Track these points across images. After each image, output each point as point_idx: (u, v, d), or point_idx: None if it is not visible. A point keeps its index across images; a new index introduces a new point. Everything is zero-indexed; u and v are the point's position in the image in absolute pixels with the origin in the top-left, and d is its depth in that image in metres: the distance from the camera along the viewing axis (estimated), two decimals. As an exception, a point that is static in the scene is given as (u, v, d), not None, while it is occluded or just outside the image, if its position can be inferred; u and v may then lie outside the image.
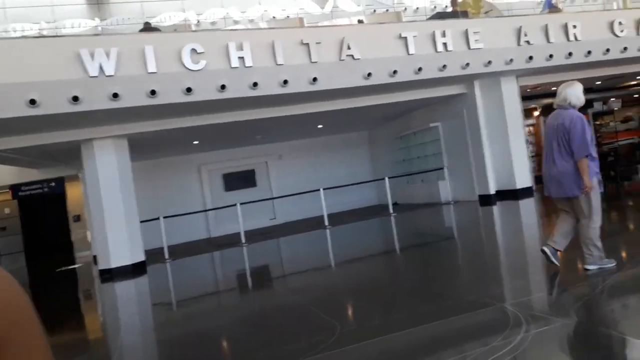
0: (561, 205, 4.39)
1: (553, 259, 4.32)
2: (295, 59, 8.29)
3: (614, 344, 2.91)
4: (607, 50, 10.73)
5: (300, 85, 8.49)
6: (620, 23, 10.76)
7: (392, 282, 5.53)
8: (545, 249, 4.36)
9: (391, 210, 11.69)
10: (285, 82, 8.23)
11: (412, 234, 9.34)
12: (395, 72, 9.13)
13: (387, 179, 12.06)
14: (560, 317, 3.29)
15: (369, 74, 8.93)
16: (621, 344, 2.89)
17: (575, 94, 4.23)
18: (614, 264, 4.14)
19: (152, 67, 7.37)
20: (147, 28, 8.95)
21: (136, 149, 9.81)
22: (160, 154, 13.14)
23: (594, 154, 4.06)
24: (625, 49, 10.87)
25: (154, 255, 9.84)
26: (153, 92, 7.45)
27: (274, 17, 12.36)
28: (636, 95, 18.43)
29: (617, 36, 10.73)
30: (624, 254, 4.38)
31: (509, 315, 3.49)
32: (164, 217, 10.13)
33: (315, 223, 11.86)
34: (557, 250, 4.34)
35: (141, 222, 9.16)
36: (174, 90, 7.66)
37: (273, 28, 9.53)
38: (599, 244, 4.10)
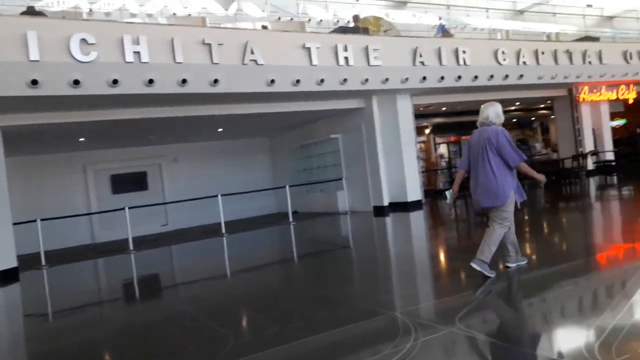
0: (485, 212, 4.74)
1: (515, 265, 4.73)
2: (196, 58, 8.02)
3: (493, 351, 3.11)
4: (492, 76, 11.73)
5: (200, 85, 8.21)
6: (503, 52, 11.83)
7: (289, 291, 5.49)
8: (510, 265, 4.73)
9: (291, 219, 11.71)
10: (184, 81, 7.91)
11: (311, 243, 9.41)
12: (298, 81, 9.19)
13: (287, 187, 12.07)
14: (446, 325, 3.45)
15: (272, 81, 8.89)
16: (500, 351, 3.09)
17: (496, 112, 4.63)
18: (494, 274, 4.48)
19: (34, 55, 6.70)
20: (31, 12, 8.12)
21: (12, 143, 8.83)
22: (40, 150, 11.99)
23: (518, 163, 4.42)
24: (506, 76, 11.96)
25: (28, 261, 8.89)
26: (35, 82, 6.78)
27: (174, 14, 11.87)
28: (515, 120, 20.41)
29: (500, 64, 11.77)
30: (500, 266, 4.74)
31: (399, 324, 3.60)
32: (42, 220, 9.20)
33: (211, 230, 11.50)
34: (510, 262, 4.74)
35: (14, 224, 8.23)
36: (59, 82, 7.02)
37: (173, 25, 9.13)
38: (494, 248, 4.47)
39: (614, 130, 16.71)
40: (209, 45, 8.07)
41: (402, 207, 11.37)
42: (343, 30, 10.62)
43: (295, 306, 4.64)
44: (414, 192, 11.58)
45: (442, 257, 6.61)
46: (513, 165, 4.41)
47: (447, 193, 4.83)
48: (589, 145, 15.17)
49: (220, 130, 12.84)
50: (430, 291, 4.80)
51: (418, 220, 10.42)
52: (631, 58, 14.41)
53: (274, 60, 8.89)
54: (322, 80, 9.47)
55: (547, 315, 3.68)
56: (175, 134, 12.49)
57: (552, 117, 17.27)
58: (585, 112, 15.24)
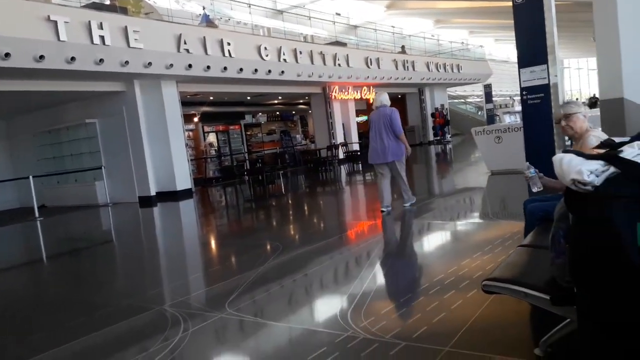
0: (380, 169, 6.56)
1: (387, 210, 6.49)
2: None
3: (263, 331, 3.21)
4: (256, 70, 12.18)
5: None
6: (265, 48, 12.38)
7: (34, 297, 4.73)
8: (385, 209, 6.48)
9: (37, 214, 10.16)
10: None
11: (63, 240, 8.31)
12: (42, 57, 7.99)
13: (31, 178, 10.44)
14: (215, 311, 3.43)
15: (7, 54, 7.57)
16: (267, 329, 3.21)
17: (386, 98, 6.61)
18: (414, 200, 6.75)
19: None
20: None
21: None
22: None
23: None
24: (269, 71, 12.57)
25: None
26: None
27: None
28: (277, 113, 21.66)
29: (263, 59, 12.30)
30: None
31: (168, 317, 3.44)
32: None
33: None
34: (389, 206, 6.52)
35: None
36: None
37: None
38: (407, 188, 6.66)
39: (359, 125, 19.30)
40: None
41: (171, 196, 11.00)
42: (97, 6, 9.62)
43: (40, 314, 4.03)
44: (184, 180, 11.32)
45: (213, 244, 6.60)
46: (399, 134, 6.41)
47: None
48: (340, 137, 17.22)
49: None
50: (201, 280, 4.73)
51: (188, 209, 10.21)
52: (371, 64, 16.77)
53: (10, 31, 7.55)
54: (72, 59, 8.43)
55: (308, 288, 3.99)
56: None
57: (310, 111, 18.96)
58: (336, 108, 17.19)
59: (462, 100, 28.39)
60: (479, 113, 25.75)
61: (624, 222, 1.16)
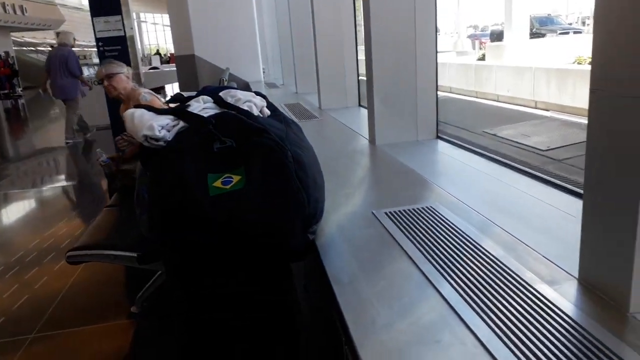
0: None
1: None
2: None
3: None
4: None
5: None
6: None
7: None
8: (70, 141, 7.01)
9: None
10: None
11: None
12: None
13: None
14: None
15: None
16: None
17: (67, 37, 7.12)
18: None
19: None
20: None
21: None
22: None
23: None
24: None
25: None
26: None
27: None
28: None
29: None
30: None
31: None
32: None
33: None
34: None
35: None
36: None
37: None
38: (74, 126, 7.15)
39: None
40: None
41: None
42: None
43: None
44: None
45: None
46: (77, 75, 6.96)
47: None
48: None
49: None
50: None
51: None
52: None
53: None
54: None
55: None
56: None
57: None
58: None
59: (33, 49, 25.10)
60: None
61: (195, 175, 1.18)
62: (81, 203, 4.20)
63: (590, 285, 1.02)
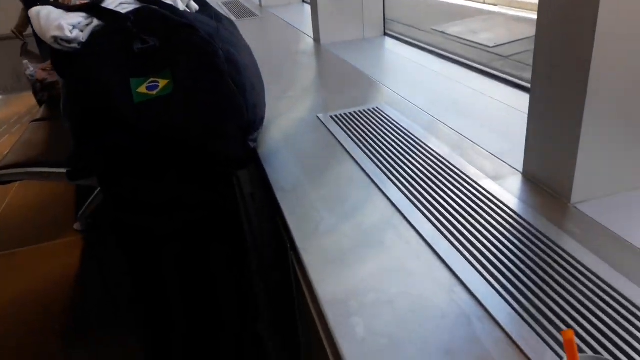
0: None
1: None
2: None
3: None
4: None
5: None
6: None
7: None
8: None
9: None
10: None
11: None
12: None
13: None
14: None
15: None
16: None
17: None
18: None
19: None
20: None
21: None
22: None
23: None
24: None
25: None
26: None
27: None
28: None
29: None
30: None
31: None
32: None
33: None
34: None
35: None
36: None
37: None
38: None
39: None
40: None
41: None
42: None
43: None
44: None
45: None
46: None
47: None
48: None
49: None
50: None
51: None
52: None
53: None
54: None
55: None
56: None
57: None
58: None
59: None
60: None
61: (115, 79, 1.06)
62: (8, 117, 3.90)
63: (535, 179, 1.02)
